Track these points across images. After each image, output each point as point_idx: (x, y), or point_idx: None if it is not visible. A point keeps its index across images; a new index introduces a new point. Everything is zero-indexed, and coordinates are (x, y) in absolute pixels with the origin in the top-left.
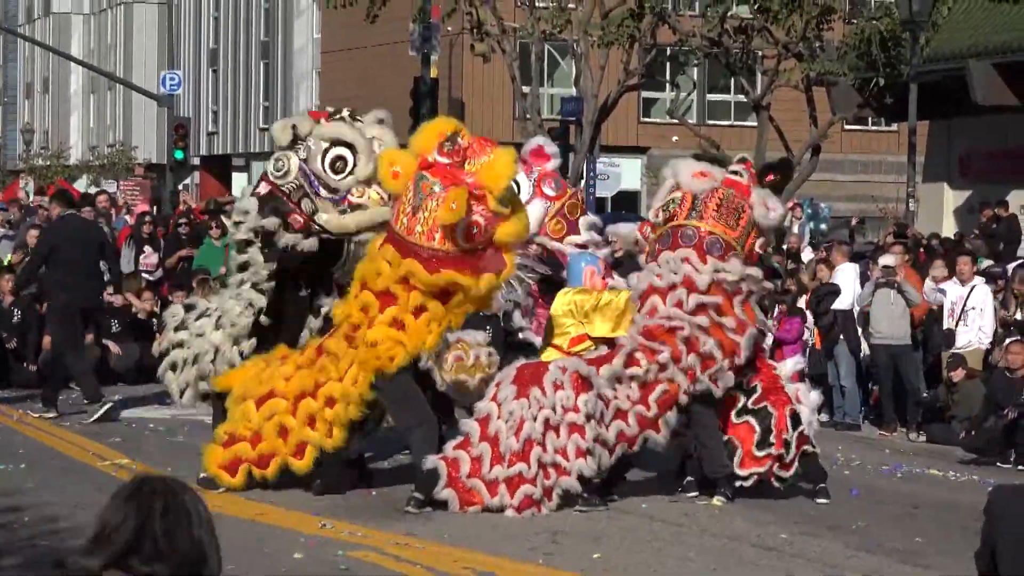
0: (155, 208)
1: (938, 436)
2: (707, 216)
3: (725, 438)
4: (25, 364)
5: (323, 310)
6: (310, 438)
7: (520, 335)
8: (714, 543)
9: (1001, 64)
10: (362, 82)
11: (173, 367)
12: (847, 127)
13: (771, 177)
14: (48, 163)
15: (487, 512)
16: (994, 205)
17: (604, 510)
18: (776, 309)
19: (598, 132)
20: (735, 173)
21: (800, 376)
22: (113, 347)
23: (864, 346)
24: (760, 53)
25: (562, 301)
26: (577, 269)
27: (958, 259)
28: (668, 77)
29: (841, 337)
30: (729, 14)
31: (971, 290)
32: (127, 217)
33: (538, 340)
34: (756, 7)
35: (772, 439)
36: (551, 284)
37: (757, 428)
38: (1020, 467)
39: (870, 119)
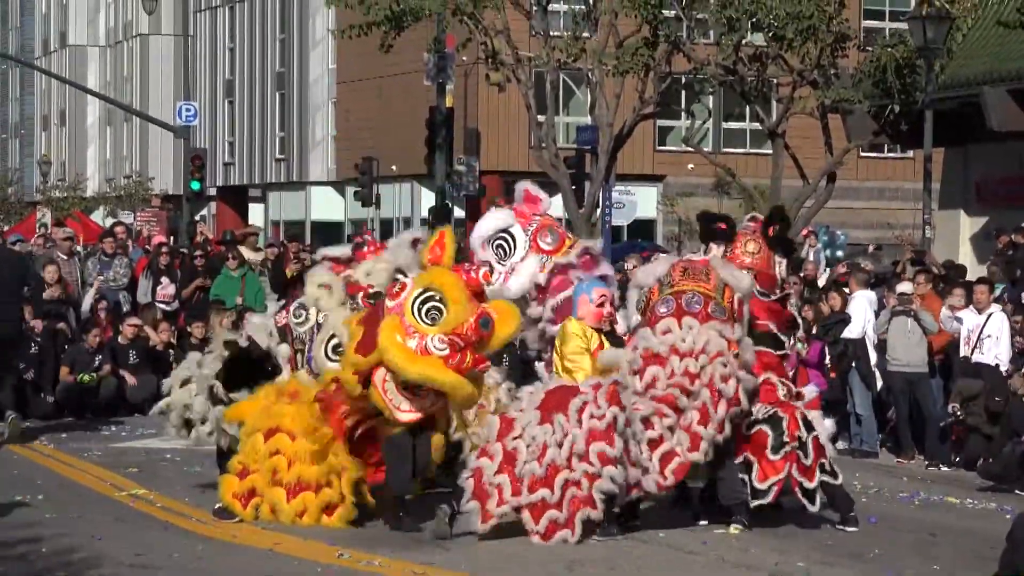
0: (172, 239)
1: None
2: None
3: (739, 459)
4: (43, 395)
5: None
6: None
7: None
8: (732, 572)
9: (1016, 90)
10: (378, 112)
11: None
12: (863, 154)
13: (772, 230)
14: (65, 195)
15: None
16: (1011, 232)
17: (622, 539)
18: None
19: (614, 161)
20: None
21: (820, 403)
22: (130, 378)
23: (877, 374)
24: (775, 81)
25: (574, 331)
26: (577, 293)
27: (974, 287)
28: (683, 105)
29: (853, 366)
30: (744, 42)
31: (988, 318)
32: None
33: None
34: (771, 35)
35: (786, 438)
36: None
37: (770, 433)
38: None
39: (886, 146)
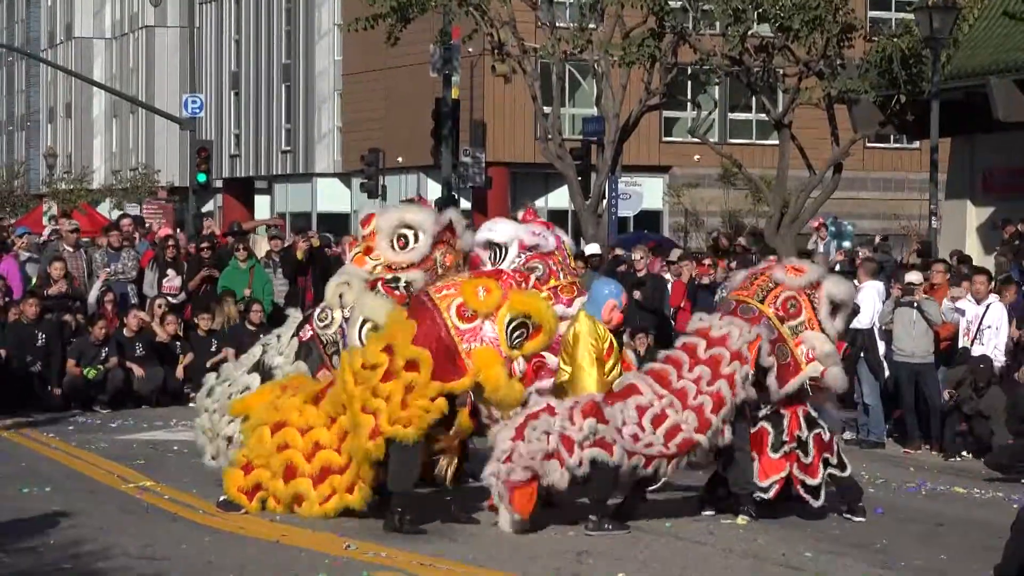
0: (178, 230)
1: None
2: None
3: None
4: (50, 388)
5: None
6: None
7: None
8: (739, 562)
9: (1022, 80)
10: (383, 104)
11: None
12: (869, 145)
13: None
14: (71, 187)
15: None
16: (1017, 222)
17: (624, 532)
18: None
19: (620, 152)
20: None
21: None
22: (137, 370)
23: (884, 364)
24: (781, 71)
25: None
26: (599, 296)
27: (974, 277)
28: (689, 96)
29: (862, 356)
30: (750, 33)
31: (987, 308)
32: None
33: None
34: (777, 26)
35: (785, 437)
36: None
37: (771, 431)
38: None
39: (892, 137)
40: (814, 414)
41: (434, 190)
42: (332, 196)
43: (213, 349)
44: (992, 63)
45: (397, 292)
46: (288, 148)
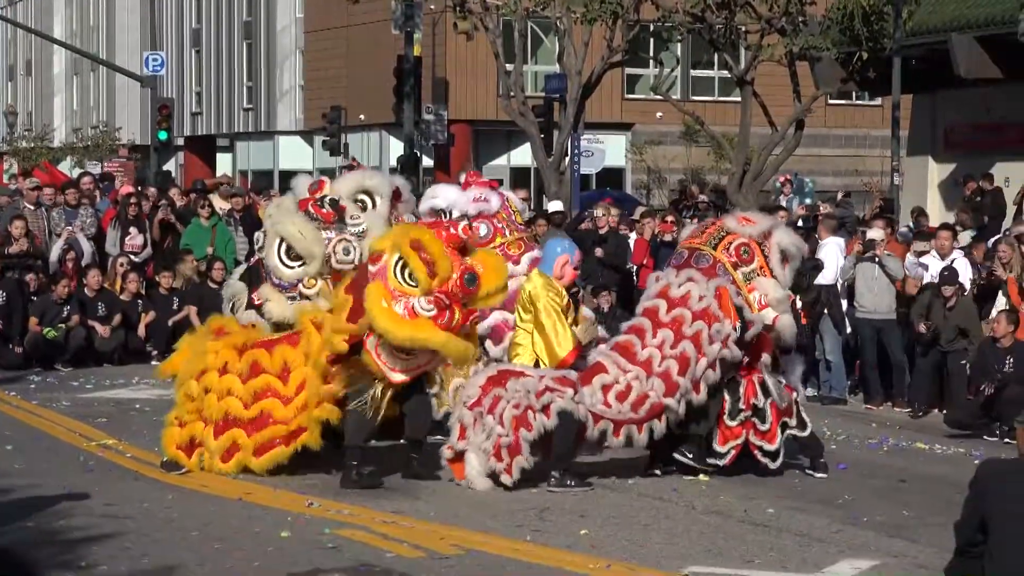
0: (139, 188)
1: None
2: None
3: None
4: (11, 346)
5: None
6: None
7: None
8: (701, 519)
9: (983, 37)
10: (345, 61)
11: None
12: (831, 102)
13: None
14: (32, 145)
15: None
16: (979, 178)
17: (587, 489)
18: None
19: (582, 109)
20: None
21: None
22: (101, 329)
23: (846, 320)
24: (743, 28)
25: (539, 285)
26: (551, 254)
27: (939, 233)
28: (652, 53)
29: (826, 312)
30: None
31: (951, 263)
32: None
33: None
34: None
35: (741, 405)
36: None
37: (728, 398)
38: (1006, 440)
39: (854, 93)
40: (768, 379)
41: (396, 147)
42: (294, 154)
43: (175, 307)
44: (954, 19)
45: (324, 210)
46: (250, 106)
